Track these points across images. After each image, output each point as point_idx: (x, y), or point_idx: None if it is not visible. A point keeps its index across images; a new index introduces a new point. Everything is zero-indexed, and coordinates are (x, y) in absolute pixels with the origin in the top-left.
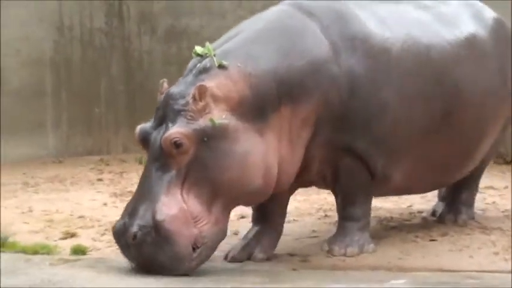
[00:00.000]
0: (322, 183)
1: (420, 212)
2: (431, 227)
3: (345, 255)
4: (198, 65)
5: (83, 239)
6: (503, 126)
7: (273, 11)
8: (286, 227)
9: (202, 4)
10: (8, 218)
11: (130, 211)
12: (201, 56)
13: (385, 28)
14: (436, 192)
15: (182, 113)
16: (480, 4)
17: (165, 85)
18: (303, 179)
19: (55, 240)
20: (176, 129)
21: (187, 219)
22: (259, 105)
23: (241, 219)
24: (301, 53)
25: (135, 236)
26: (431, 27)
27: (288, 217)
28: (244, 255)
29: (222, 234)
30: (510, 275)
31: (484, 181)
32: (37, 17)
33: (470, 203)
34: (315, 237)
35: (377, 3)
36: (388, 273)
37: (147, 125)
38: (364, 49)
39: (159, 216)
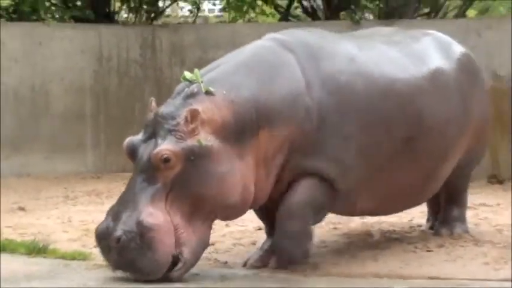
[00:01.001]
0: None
1: (419, 225)
2: (428, 239)
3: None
4: (186, 89)
5: None
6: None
7: (255, 45)
8: None
9: (227, 38)
10: (50, 227)
11: (114, 216)
12: (190, 81)
13: (354, 65)
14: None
15: (172, 132)
16: (449, 41)
17: (154, 104)
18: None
19: (90, 248)
20: (166, 146)
21: (170, 229)
22: (240, 130)
23: (258, 231)
24: (280, 84)
25: (118, 240)
26: (398, 62)
27: None
28: (259, 263)
29: (203, 245)
30: (499, 283)
31: (478, 199)
32: (79, 49)
33: (463, 218)
34: (324, 247)
35: (350, 40)
36: (389, 281)
37: (135, 138)
38: (331, 84)
39: (145, 224)
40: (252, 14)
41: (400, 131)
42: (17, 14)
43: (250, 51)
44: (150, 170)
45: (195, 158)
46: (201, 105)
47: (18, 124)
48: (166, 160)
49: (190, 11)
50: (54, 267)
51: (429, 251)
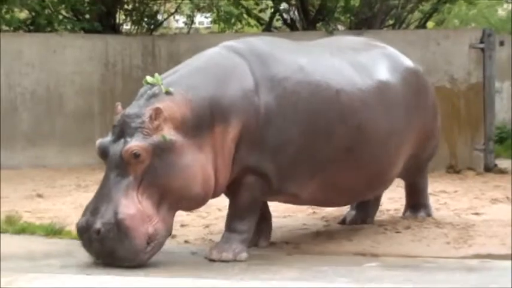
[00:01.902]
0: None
1: (388, 210)
2: (397, 222)
3: (220, 259)
4: (148, 91)
5: None
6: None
7: (210, 51)
8: (282, 221)
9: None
10: (64, 212)
11: (92, 210)
12: (151, 84)
13: (301, 73)
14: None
15: (139, 129)
16: (397, 55)
17: (119, 107)
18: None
19: None
20: (135, 143)
21: (143, 218)
22: (198, 125)
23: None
24: (232, 84)
25: (98, 232)
26: (345, 74)
27: (284, 213)
28: (252, 243)
29: (169, 232)
30: (459, 260)
31: (438, 187)
32: (88, 56)
33: (427, 204)
34: (305, 229)
35: (302, 49)
36: (363, 258)
37: (105, 139)
38: (278, 90)
39: (120, 215)
40: (239, 26)
41: (341, 141)
42: (34, 25)
43: (206, 56)
44: (122, 166)
45: (161, 152)
46: (163, 104)
47: (35, 121)
48: (137, 155)
49: (185, 23)
50: (69, 247)
51: (398, 232)
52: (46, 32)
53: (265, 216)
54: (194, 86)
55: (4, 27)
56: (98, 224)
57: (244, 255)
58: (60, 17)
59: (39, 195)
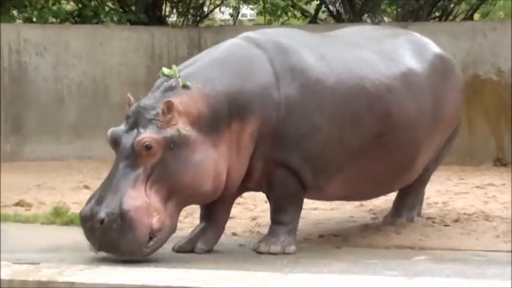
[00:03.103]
0: (259, 189)
1: (436, 203)
2: (445, 215)
3: (268, 252)
4: (165, 83)
5: None
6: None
7: (228, 43)
8: (329, 213)
9: None
10: None
11: (98, 199)
12: (168, 77)
13: (323, 63)
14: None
15: (153, 121)
16: (423, 41)
17: (132, 99)
18: (243, 186)
19: None
20: (148, 134)
21: (149, 210)
22: (214, 121)
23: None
24: (250, 78)
25: (102, 221)
26: (368, 62)
27: (331, 205)
28: (188, 246)
29: (174, 228)
30: (509, 253)
31: (486, 180)
32: (134, 48)
33: (412, 206)
34: (353, 221)
35: (323, 39)
36: (411, 251)
37: (118, 128)
38: (301, 79)
39: (125, 206)
40: (285, 18)
41: (369, 128)
42: (81, 17)
43: (224, 48)
44: (132, 157)
45: (174, 146)
46: (179, 98)
47: (81, 113)
48: (148, 147)
49: (231, 15)
50: None
51: (446, 225)
52: (92, 24)
53: (212, 218)
54: (212, 80)
55: (51, 19)
56: (102, 214)
57: (292, 247)
58: (107, 8)
59: (86, 187)
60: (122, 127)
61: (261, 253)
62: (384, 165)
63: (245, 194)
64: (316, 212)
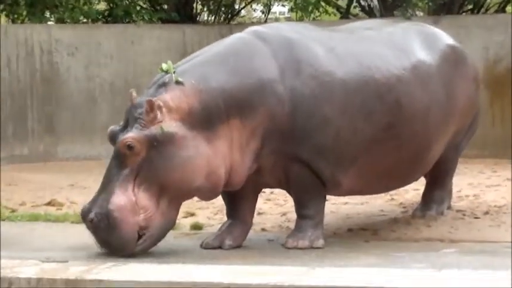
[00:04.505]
0: (279, 186)
1: (467, 195)
2: (475, 207)
3: (296, 247)
4: (160, 80)
5: (200, 218)
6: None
7: (232, 37)
8: (359, 207)
9: None
10: None
11: (93, 199)
12: (166, 72)
13: (332, 54)
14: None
15: (138, 120)
16: (433, 31)
17: (134, 94)
18: (261, 182)
19: (178, 219)
20: (130, 134)
21: (134, 209)
22: (208, 117)
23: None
24: (249, 73)
25: (91, 221)
26: (378, 54)
27: (361, 200)
28: (216, 243)
29: (168, 224)
30: None
31: None
32: (166, 47)
33: (440, 201)
34: (382, 215)
35: (332, 32)
36: (440, 244)
37: (115, 127)
38: (309, 71)
39: (111, 206)
40: (317, 14)
41: (380, 119)
42: (112, 17)
43: (227, 43)
44: (120, 157)
45: (158, 144)
46: (170, 94)
47: (113, 112)
48: (130, 147)
49: (262, 12)
50: None
51: (476, 217)
52: (124, 23)
53: (238, 216)
54: (207, 76)
55: (82, 19)
56: (92, 214)
57: (321, 242)
58: (138, 7)
59: None
60: (119, 125)
61: (289, 249)
62: (397, 157)
63: (275, 190)
64: (346, 206)
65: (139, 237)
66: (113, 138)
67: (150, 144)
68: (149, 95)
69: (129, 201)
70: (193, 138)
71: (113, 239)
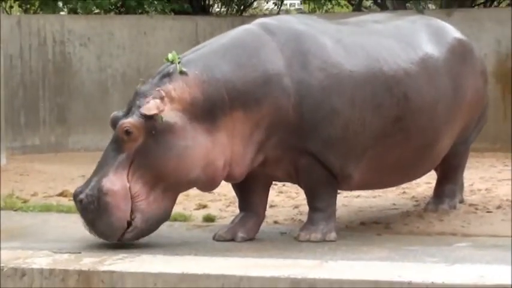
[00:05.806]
0: (289, 179)
1: (479, 189)
2: (488, 201)
3: (309, 240)
4: (164, 70)
5: (212, 210)
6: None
7: (239, 29)
8: (371, 201)
9: None
10: None
11: (87, 180)
12: (171, 62)
13: (340, 46)
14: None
15: (140, 108)
16: (441, 25)
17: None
18: (269, 175)
19: (190, 211)
20: (129, 120)
21: (127, 196)
22: (210, 108)
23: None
24: (254, 66)
25: (80, 202)
26: (385, 46)
27: (374, 193)
28: (229, 235)
29: (160, 213)
30: None
31: None
32: (178, 38)
33: (452, 194)
34: (395, 209)
35: (339, 25)
36: (453, 238)
37: (117, 113)
38: (316, 63)
39: (103, 189)
40: (329, 6)
41: (389, 111)
42: (125, 7)
43: (233, 34)
44: (118, 141)
45: (156, 132)
46: (174, 84)
47: (125, 103)
48: (128, 132)
49: (275, 4)
50: (159, 228)
51: (489, 211)
52: (136, 14)
53: (251, 208)
54: (211, 67)
55: (95, 10)
56: (82, 195)
57: (333, 235)
58: None
59: None
60: (122, 111)
61: (301, 241)
62: (405, 150)
63: (287, 183)
64: (358, 199)
65: (129, 226)
66: (114, 123)
67: (148, 131)
68: (153, 85)
69: (123, 187)
70: (192, 129)
71: (101, 224)
